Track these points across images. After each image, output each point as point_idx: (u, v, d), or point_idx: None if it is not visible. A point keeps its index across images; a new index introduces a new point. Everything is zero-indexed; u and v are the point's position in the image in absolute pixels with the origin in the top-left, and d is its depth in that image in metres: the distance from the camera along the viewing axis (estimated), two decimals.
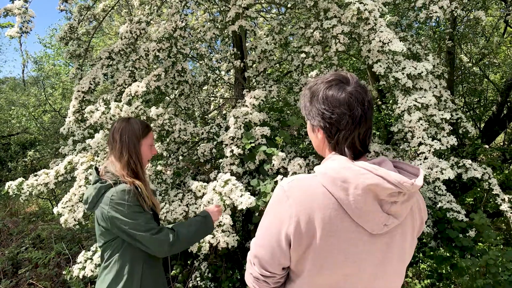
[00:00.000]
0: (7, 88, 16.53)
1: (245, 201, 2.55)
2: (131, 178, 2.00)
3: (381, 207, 1.16)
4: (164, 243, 1.90)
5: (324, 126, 1.24)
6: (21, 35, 3.36)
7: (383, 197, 1.14)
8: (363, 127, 1.22)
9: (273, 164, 2.93)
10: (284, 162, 2.96)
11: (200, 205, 2.68)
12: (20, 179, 3.33)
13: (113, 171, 2.02)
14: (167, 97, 4.66)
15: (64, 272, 4.03)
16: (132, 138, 2.04)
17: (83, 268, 3.01)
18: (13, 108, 12.66)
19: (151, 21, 4.18)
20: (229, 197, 2.62)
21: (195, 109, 4.97)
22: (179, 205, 3.17)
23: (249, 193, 2.64)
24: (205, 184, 2.84)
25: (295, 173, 2.79)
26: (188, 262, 4.50)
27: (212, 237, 2.65)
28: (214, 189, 2.71)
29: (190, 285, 4.06)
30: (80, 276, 2.97)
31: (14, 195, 3.31)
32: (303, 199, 1.17)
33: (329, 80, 1.26)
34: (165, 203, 3.27)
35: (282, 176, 2.75)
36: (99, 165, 2.99)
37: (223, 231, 2.60)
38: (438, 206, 3.83)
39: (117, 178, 1.99)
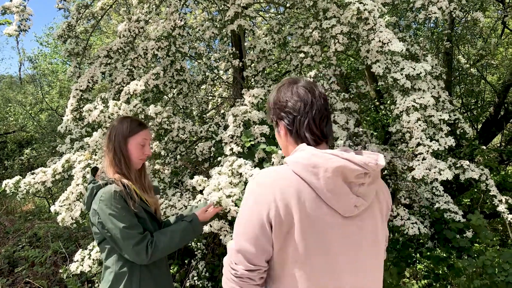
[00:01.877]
0: (3, 86, 16.46)
1: (256, 173, 2.54)
2: (119, 176, 1.99)
3: (350, 189, 1.26)
4: (140, 253, 1.88)
5: (282, 118, 1.41)
6: (19, 33, 3.34)
7: (352, 179, 1.25)
8: (317, 113, 1.37)
9: (273, 162, 2.93)
10: (283, 160, 2.95)
11: (199, 200, 2.66)
12: (17, 177, 3.32)
13: (105, 171, 2.03)
14: (165, 96, 4.65)
15: (60, 271, 4.02)
16: (119, 136, 2.04)
17: (81, 265, 3.00)
18: (9, 106, 12.61)
19: (150, 20, 4.18)
20: (239, 173, 2.61)
21: (193, 108, 4.97)
22: (179, 200, 3.17)
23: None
24: (205, 178, 2.83)
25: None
26: (186, 261, 4.50)
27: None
28: (219, 173, 2.70)
29: (188, 284, 4.06)
30: (78, 272, 2.96)
31: (11, 193, 3.29)
32: (279, 186, 1.25)
33: (282, 82, 1.47)
34: (164, 199, 3.26)
35: None
36: (96, 164, 2.99)
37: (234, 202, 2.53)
38: (435, 206, 3.85)
39: (109, 178, 1.99)
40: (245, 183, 2.61)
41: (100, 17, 4.79)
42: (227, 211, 2.39)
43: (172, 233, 2.03)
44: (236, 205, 2.44)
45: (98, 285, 3.98)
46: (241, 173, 2.66)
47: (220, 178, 2.63)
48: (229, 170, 2.71)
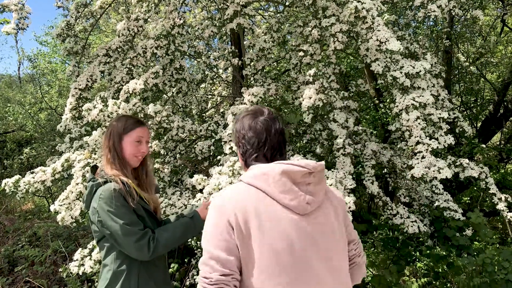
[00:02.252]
0: (2, 85, 16.45)
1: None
2: (116, 173, 2.00)
3: (299, 189, 1.41)
4: (143, 248, 1.89)
5: (239, 145, 1.60)
6: (18, 32, 3.33)
7: (298, 179, 1.42)
8: (269, 150, 1.53)
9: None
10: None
11: (199, 199, 2.66)
12: (16, 177, 3.31)
13: (103, 169, 2.04)
14: (164, 95, 4.65)
15: (60, 270, 4.02)
16: (114, 134, 2.06)
17: (82, 264, 3.00)
18: (9, 105, 12.60)
19: (149, 19, 4.17)
20: (240, 173, 2.62)
21: (193, 107, 4.96)
22: (178, 199, 3.17)
23: None
24: (205, 177, 2.83)
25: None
26: (186, 260, 4.50)
27: None
28: (219, 172, 2.70)
29: (187, 283, 4.06)
30: (80, 273, 2.96)
31: (10, 193, 3.29)
32: (236, 198, 1.42)
33: (248, 111, 1.62)
34: (164, 198, 3.27)
35: None
36: (96, 163, 2.99)
37: None
38: (435, 205, 3.84)
39: (108, 176, 1.99)
40: None
41: (99, 16, 4.78)
42: None
43: (174, 229, 2.04)
44: None
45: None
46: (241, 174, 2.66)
47: (220, 178, 2.64)
48: (229, 171, 2.71)
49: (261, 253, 1.34)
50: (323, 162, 1.50)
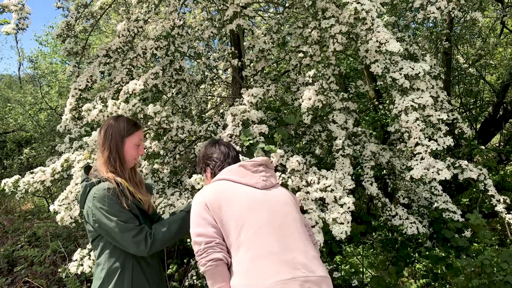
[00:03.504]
0: (2, 86, 16.44)
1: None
2: (112, 175, 2.01)
3: (253, 173, 2.00)
4: (140, 244, 1.91)
5: (207, 164, 2.17)
6: (18, 32, 3.34)
7: (252, 168, 2.01)
8: (232, 160, 2.15)
9: (271, 161, 2.93)
10: (282, 160, 2.96)
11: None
12: (16, 177, 3.31)
13: (97, 169, 2.04)
14: (164, 96, 4.65)
15: (59, 270, 4.02)
16: (116, 136, 2.07)
17: (81, 264, 3.00)
18: (8, 105, 12.60)
19: (149, 19, 4.18)
20: None
21: (193, 107, 4.97)
22: (178, 200, 3.17)
23: None
24: (204, 177, 2.83)
25: (293, 170, 2.80)
26: (185, 260, 4.50)
27: None
28: None
29: (186, 283, 4.06)
30: (78, 273, 2.97)
31: (10, 193, 3.29)
32: (210, 187, 1.96)
33: (209, 141, 2.29)
34: (163, 199, 3.26)
35: (281, 173, 2.76)
36: (95, 163, 2.99)
37: None
38: (434, 206, 3.85)
39: (101, 176, 2.00)
40: None
41: (99, 17, 4.79)
42: None
43: (170, 223, 2.06)
44: None
45: None
46: None
47: None
48: None
49: (233, 216, 1.80)
50: (266, 158, 2.12)
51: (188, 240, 4.21)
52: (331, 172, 2.94)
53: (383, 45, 2.85)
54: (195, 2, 4.17)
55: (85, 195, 1.99)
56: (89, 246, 3.12)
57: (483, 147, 5.34)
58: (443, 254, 3.86)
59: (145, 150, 3.80)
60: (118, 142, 2.06)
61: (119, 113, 3.17)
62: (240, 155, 2.30)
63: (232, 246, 1.76)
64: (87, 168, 2.13)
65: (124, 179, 2.04)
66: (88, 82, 3.70)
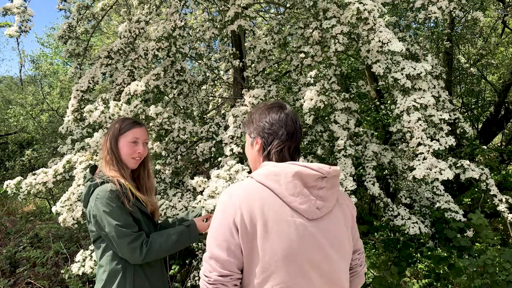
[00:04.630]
0: (4, 87, 16.48)
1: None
2: (115, 174, 2.01)
3: (311, 193, 1.38)
4: (135, 251, 1.90)
5: (263, 136, 1.54)
6: (20, 34, 3.35)
7: (311, 183, 1.38)
8: (294, 143, 1.53)
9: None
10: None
11: (199, 200, 2.67)
12: (18, 178, 3.32)
13: (102, 170, 2.06)
14: (166, 97, 4.66)
15: (62, 271, 4.02)
16: (110, 135, 2.09)
17: (83, 265, 3.01)
18: (10, 107, 12.62)
19: (150, 21, 4.18)
20: (236, 178, 2.63)
21: (194, 108, 4.97)
22: (179, 201, 3.18)
23: None
24: (206, 179, 2.84)
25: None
26: (187, 261, 4.50)
27: None
28: (218, 176, 2.71)
29: (189, 284, 4.06)
30: (80, 273, 2.97)
31: (12, 194, 3.30)
32: (243, 195, 1.39)
33: (271, 104, 1.61)
34: (164, 200, 3.27)
35: None
36: (97, 164, 3.00)
37: None
38: (436, 206, 3.85)
39: (106, 177, 2.00)
40: None
41: (100, 18, 4.80)
42: None
43: (168, 235, 2.03)
44: None
45: None
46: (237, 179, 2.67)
47: (218, 182, 2.64)
48: (227, 174, 2.72)
49: (264, 255, 1.33)
50: (338, 168, 1.46)
51: None
52: None
53: (386, 45, 2.85)
54: (196, 3, 4.18)
55: (89, 195, 2.00)
56: (91, 247, 3.13)
57: (485, 147, 5.32)
58: (445, 254, 3.85)
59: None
60: (113, 141, 2.08)
61: (121, 114, 3.17)
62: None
63: (248, 286, 1.39)
64: (93, 168, 2.13)
65: (127, 180, 2.04)
66: (90, 83, 3.71)
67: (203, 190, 2.82)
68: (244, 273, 1.38)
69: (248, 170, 2.74)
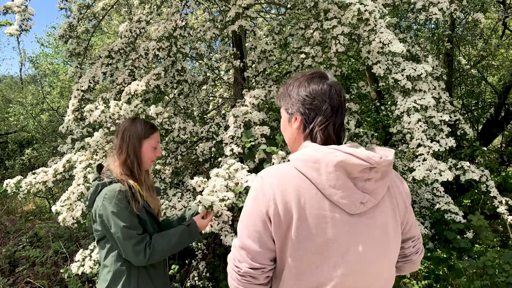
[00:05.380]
0: (4, 86, 16.47)
1: (251, 179, 2.59)
2: (126, 177, 2.01)
3: (355, 185, 1.20)
4: (140, 253, 1.90)
5: (304, 112, 1.33)
6: (21, 33, 3.35)
7: (355, 174, 1.19)
8: (339, 119, 1.32)
9: (273, 163, 2.93)
10: (284, 161, 2.96)
11: (199, 200, 2.67)
12: (18, 177, 3.32)
13: (111, 169, 2.05)
14: (166, 96, 4.65)
15: (61, 271, 4.02)
16: (134, 138, 2.07)
17: (83, 265, 3.00)
18: (10, 106, 12.62)
19: (151, 20, 4.18)
20: (234, 177, 2.63)
21: (194, 108, 4.97)
22: (179, 201, 3.18)
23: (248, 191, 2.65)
24: (205, 179, 2.84)
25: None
26: (186, 261, 4.50)
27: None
28: (217, 174, 2.71)
29: (188, 284, 4.06)
30: (79, 273, 2.97)
31: (12, 193, 3.30)
32: (279, 183, 1.22)
33: (310, 73, 1.38)
34: (164, 200, 3.27)
35: None
36: (98, 164, 3.00)
37: (226, 207, 2.56)
38: (436, 207, 3.84)
39: (114, 177, 2.01)
40: (246, 190, 2.64)
41: (101, 18, 4.79)
42: (219, 215, 2.41)
43: (170, 236, 2.04)
44: (229, 209, 2.48)
45: None
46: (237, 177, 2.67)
47: (216, 181, 2.65)
48: (226, 173, 2.72)
49: (297, 250, 1.19)
50: (391, 155, 1.25)
51: None
52: None
53: (387, 46, 2.85)
54: (197, 3, 4.18)
55: (96, 194, 2.00)
56: (91, 247, 3.12)
57: (485, 149, 5.32)
58: (445, 256, 3.85)
59: None
60: (136, 144, 2.07)
61: (121, 114, 3.17)
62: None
63: (278, 279, 1.28)
64: (99, 167, 2.14)
65: (138, 182, 2.05)
66: (90, 83, 3.71)
67: (202, 190, 2.82)
68: (278, 264, 1.27)
69: (248, 169, 2.74)
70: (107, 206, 1.90)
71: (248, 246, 1.24)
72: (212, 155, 3.70)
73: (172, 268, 4.40)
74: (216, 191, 2.53)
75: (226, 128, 3.55)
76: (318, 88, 1.32)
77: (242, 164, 2.74)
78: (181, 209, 3.13)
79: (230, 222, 2.75)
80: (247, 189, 2.81)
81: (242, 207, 2.86)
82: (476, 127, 8.07)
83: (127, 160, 2.05)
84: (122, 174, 2.02)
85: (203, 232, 2.74)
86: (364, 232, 1.23)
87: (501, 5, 7.11)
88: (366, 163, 1.17)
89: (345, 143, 1.34)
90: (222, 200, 2.44)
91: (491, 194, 3.36)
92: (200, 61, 4.66)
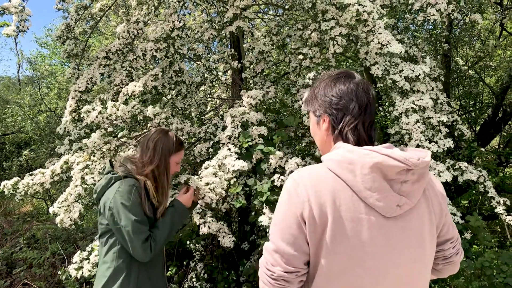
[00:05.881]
0: (2, 87, 16.44)
1: (238, 164, 2.69)
2: (144, 178, 2.05)
3: (391, 188, 1.16)
4: (147, 250, 1.91)
5: (331, 113, 1.31)
6: (18, 34, 3.34)
7: (392, 176, 1.16)
8: (368, 117, 1.30)
9: (270, 163, 2.93)
10: (281, 161, 2.96)
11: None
12: (15, 179, 3.31)
13: (128, 167, 2.06)
14: (164, 97, 4.65)
15: (59, 272, 4.01)
16: (165, 150, 2.11)
17: (80, 268, 2.99)
18: (8, 107, 12.59)
19: (149, 21, 4.18)
20: (224, 164, 2.69)
21: (192, 109, 4.97)
22: None
23: (245, 192, 2.66)
24: (202, 177, 2.85)
25: (292, 172, 2.79)
26: (184, 262, 4.49)
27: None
28: (207, 166, 2.76)
29: (186, 286, 4.05)
30: (78, 277, 2.96)
31: (9, 195, 3.28)
32: (313, 185, 1.19)
33: (337, 73, 1.37)
34: None
35: (279, 175, 2.75)
36: (95, 165, 3.00)
37: (211, 189, 2.60)
38: None
39: (129, 172, 2.02)
40: (243, 191, 2.68)
41: (99, 19, 4.79)
42: (202, 197, 2.46)
43: (162, 224, 2.06)
44: (226, 210, 2.55)
45: None
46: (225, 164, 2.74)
47: (208, 170, 2.71)
48: (216, 163, 2.77)
49: (332, 253, 1.16)
50: (428, 158, 1.21)
51: (188, 242, 4.21)
52: None
53: (385, 46, 2.85)
54: (194, 4, 4.17)
55: (107, 187, 2.00)
56: (88, 248, 3.11)
57: (482, 149, 5.33)
58: None
59: None
60: (167, 157, 2.11)
61: (119, 115, 3.17)
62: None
63: (310, 283, 1.25)
64: (111, 162, 2.17)
65: (156, 188, 2.09)
66: (88, 84, 3.70)
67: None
68: (311, 267, 1.23)
69: (237, 157, 2.80)
70: (118, 199, 1.90)
71: (283, 249, 1.20)
72: (210, 156, 3.70)
73: (170, 269, 4.40)
74: (202, 177, 2.59)
75: (224, 128, 3.54)
76: (345, 87, 1.31)
77: (232, 152, 2.80)
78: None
79: (226, 225, 2.75)
80: (243, 190, 2.82)
81: (240, 207, 2.86)
82: (474, 128, 8.08)
83: (154, 170, 2.08)
84: (143, 175, 2.05)
85: (200, 233, 2.75)
86: (400, 236, 1.20)
87: (499, 6, 7.12)
88: (403, 165, 1.15)
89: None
90: (207, 184, 2.49)
91: (489, 195, 3.36)
92: (198, 62, 4.66)
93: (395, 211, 1.18)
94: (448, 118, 3.70)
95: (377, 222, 1.17)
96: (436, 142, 2.95)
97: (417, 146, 2.85)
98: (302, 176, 1.23)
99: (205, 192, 2.49)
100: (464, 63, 7.54)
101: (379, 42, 2.87)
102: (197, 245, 4.18)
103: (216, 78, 5.22)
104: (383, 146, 1.22)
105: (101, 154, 3.30)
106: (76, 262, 3.04)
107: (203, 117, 5.17)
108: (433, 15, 3.15)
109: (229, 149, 3.01)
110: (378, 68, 3.15)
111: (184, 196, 2.29)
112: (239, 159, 2.80)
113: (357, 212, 1.16)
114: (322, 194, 1.17)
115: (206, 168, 2.79)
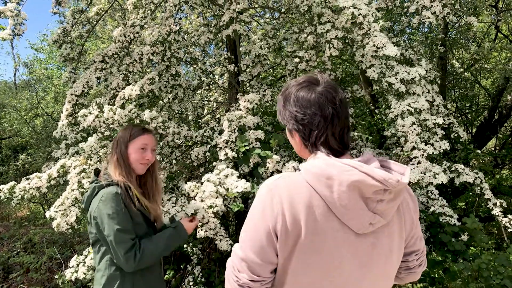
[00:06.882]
0: None
1: (241, 185, 2.61)
2: (123, 178, 2.03)
3: (366, 206, 1.15)
4: (130, 259, 1.89)
5: (298, 129, 1.27)
6: (13, 38, 3.33)
7: (369, 194, 1.14)
8: (337, 126, 1.24)
9: (267, 167, 2.93)
10: (278, 165, 2.96)
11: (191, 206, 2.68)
12: (12, 183, 3.30)
13: (109, 173, 2.06)
14: (160, 101, 4.65)
15: (56, 277, 3.99)
16: (121, 142, 2.12)
17: (76, 271, 2.99)
18: (4, 110, 12.56)
19: (145, 25, 4.18)
20: (225, 183, 2.65)
21: (189, 113, 4.97)
22: (173, 206, 3.16)
23: (243, 195, 2.66)
24: (199, 184, 2.84)
25: None
26: (181, 266, 4.48)
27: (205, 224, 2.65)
28: (208, 180, 2.73)
29: None
30: (73, 279, 2.95)
31: (5, 199, 3.27)
32: (288, 196, 1.17)
33: (300, 82, 1.29)
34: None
35: None
36: (91, 169, 3.00)
37: (213, 213, 2.59)
38: (430, 210, 3.85)
39: (112, 180, 2.01)
40: (240, 194, 2.66)
41: (95, 22, 4.79)
42: (206, 222, 2.45)
43: (158, 239, 2.05)
44: (224, 214, 2.52)
45: None
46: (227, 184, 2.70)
47: (207, 187, 2.67)
48: (217, 179, 2.74)
49: (303, 266, 1.17)
50: (406, 177, 1.19)
51: (185, 245, 4.20)
52: None
53: (380, 49, 2.86)
54: (191, 7, 4.18)
55: (92, 196, 2.00)
56: (85, 252, 3.10)
57: (479, 151, 5.34)
58: (440, 258, 3.85)
59: None
60: (122, 147, 2.11)
61: (115, 119, 3.17)
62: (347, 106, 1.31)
63: None
64: (96, 171, 2.15)
65: (133, 185, 2.06)
66: (84, 88, 3.70)
67: (196, 195, 2.82)
68: (277, 276, 1.24)
69: (238, 175, 2.76)
70: (101, 208, 1.89)
71: (251, 259, 1.20)
72: (207, 160, 3.70)
73: (167, 273, 4.39)
74: (204, 199, 2.56)
75: (221, 132, 3.55)
76: (307, 99, 1.25)
77: (232, 170, 2.76)
78: (175, 214, 3.13)
79: (223, 228, 2.75)
80: (240, 194, 2.82)
81: (237, 211, 2.87)
82: (470, 130, 8.11)
83: (116, 162, 2.09)
84: (119, 175, 2.04)
85: (198, 237, 2.75)
86: (369, 253, 1.20)
87: (494, 9, 7.16)
88: (382, 185, 1.12)
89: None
90: (210, 207, 2.46)
91: (486, 197, 3.37)
92: (195, 66, 4.66)
93: (367, 229, 1.17)
94: (444, 120, 3.72)
95: (348, 239, 1.17)
96: (432, 144, 2.96)
97: (413, 148, 2.86)
98: (277, 186, 1.21)
99: (208, 217, 2.49)
100: (460, 66, 7.57)
101: (374, 45, 2.88)
102: (194, 248, 4.17)
103: (212, 81, 5.23)
104: (364, 159, 1.21)
105: (97, 158, 3.30)
106: (73, 266, 3.03)
107: (200, 120, 5.17)
108: (429, 17, 3.17)
109: (226, 153, 3.01)
110: (374, 71, 3.16)
111: (189, 224, 2.29)
112: (240, 178, 2.75)
113: (329, 228, 1.15)
114: (296, 207, 1.15)
115: (207, 180, 2.76)
